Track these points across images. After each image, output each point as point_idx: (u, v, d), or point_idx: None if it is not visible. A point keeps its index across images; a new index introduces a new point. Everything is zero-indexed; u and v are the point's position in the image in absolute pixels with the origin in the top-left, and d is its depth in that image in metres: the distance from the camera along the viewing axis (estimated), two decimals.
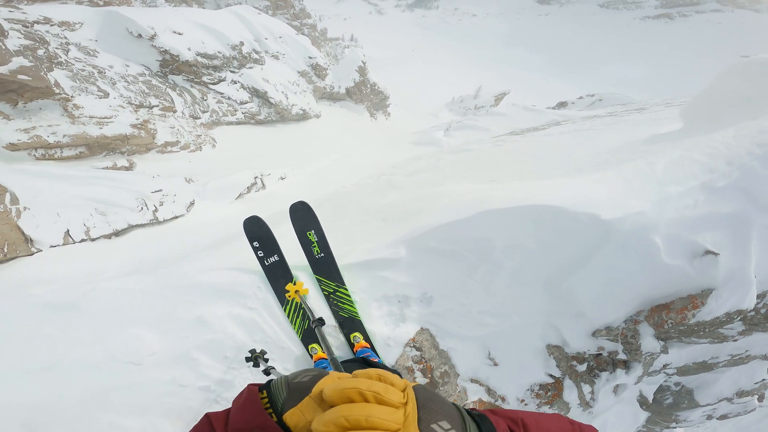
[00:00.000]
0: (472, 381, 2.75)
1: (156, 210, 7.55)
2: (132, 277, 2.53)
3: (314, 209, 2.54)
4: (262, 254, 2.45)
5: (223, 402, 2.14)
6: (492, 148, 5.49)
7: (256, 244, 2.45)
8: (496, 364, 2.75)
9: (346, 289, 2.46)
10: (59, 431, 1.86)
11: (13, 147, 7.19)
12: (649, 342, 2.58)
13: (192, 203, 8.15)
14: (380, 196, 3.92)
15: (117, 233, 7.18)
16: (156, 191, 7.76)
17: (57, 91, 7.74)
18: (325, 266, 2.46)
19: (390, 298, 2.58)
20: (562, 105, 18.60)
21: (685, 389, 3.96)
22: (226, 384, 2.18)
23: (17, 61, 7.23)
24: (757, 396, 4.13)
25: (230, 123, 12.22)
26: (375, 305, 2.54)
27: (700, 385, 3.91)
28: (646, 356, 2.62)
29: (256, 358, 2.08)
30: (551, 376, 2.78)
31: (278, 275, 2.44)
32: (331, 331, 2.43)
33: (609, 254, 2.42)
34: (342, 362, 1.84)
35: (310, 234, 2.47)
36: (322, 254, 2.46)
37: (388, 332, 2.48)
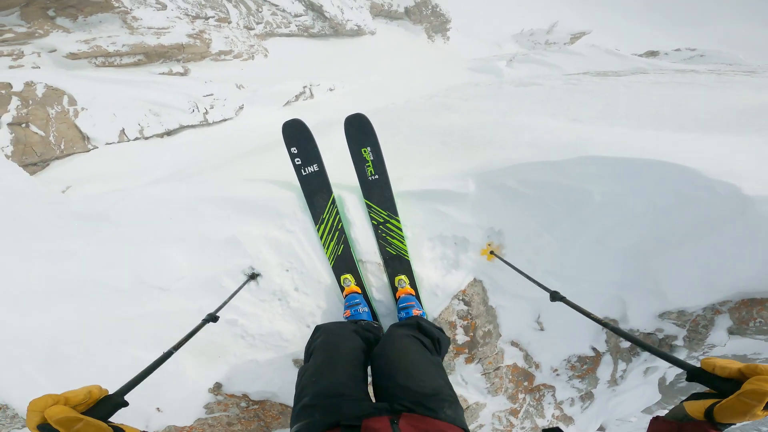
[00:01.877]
0: (513, 344, 2.51)
1: (206, 112, 8.08)
2: (165, 185, 2.20)
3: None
4: (299, 162, 2.09)
5: (249, 338, 1.94)
6: (565, 85, 4.60)
7: (294, 149, 2.09)
8: (542, 329, 2.49)
9: (399, 221, 2.09)
10: (80, 364, 1.71)
11: (73, 56, 7.63)
12: (719, 335, 2.26)
13: (241, 107, 8.60)
14: (435, 117, 3.36)
15: (169, 133, 7.68)
16: (207, 95, 8.26)
17: (116, 4, 8.03)
18: (378, 191, 2.07)
19: (446, 239, 2.20)
20: (652, 54, 15.82)
21: None
22: (254, 318, 1.96)
23: None
24: None
25: (283, 35, 12.30)
26: (428, 245, 2.18)
27: None
28: (707, 348, 2.32)
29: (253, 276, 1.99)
30: (594, 349, 2.55)
31: (315, 188, 2.09)
32: (375, 269, 2.12)
33: (729, 235, 1.90)
34: (392, 325, 1.58)
35: (365, 151, 2.05)
36: (377, 176, 2.06)
37: (437, 279, 2.15)
